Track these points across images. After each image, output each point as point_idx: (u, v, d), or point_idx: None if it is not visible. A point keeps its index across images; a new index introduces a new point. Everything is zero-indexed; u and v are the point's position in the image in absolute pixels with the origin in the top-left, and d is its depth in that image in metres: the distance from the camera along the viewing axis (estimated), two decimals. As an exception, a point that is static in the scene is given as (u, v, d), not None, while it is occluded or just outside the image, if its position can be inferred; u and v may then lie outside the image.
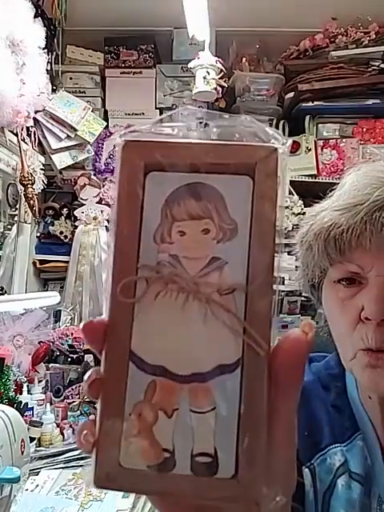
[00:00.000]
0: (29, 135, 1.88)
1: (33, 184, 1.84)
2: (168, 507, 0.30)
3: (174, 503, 0.29)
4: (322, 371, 0.66)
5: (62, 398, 1.72)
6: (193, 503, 0.28)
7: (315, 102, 2.21)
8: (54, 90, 2.09)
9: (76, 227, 2.22)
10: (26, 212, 1.93)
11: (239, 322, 0.27)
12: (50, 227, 2.22)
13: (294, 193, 2.22)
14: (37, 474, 1.24)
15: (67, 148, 2.10)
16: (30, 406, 1.50)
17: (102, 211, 2.22)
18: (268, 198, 0.27)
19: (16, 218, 1.93)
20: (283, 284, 2.08)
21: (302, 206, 2.18)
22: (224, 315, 0.27)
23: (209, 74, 2.13)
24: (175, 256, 0.28)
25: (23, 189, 1.83)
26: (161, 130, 0.29)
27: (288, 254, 0.62)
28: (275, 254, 0.27)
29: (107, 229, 2.23)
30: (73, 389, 1.73)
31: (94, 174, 2.27)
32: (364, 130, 2.23)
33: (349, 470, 0.58)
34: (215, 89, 2.16)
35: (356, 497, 0.57)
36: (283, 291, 1.98)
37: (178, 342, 0.27)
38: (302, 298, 1.92)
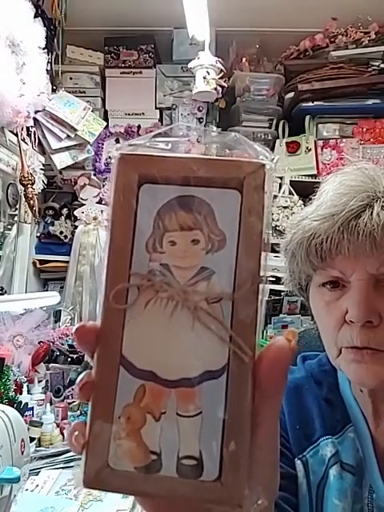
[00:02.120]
0: (29, 135, 1.88)
1: (33, 184, 1.84)
2: (155, 508, 0.31)
3: (160, 504, 0.30)
4: (314, 368, 0.69)
5: (62, 398, 1.72)
6: (178, 505, 0.29)
7: (315, 102, 2.21)
8: (54, 90, 2.08)
9: (76, 227, 2.22)
10: (25, 212, 1.93)
11: (226, 330, 0.28)
12: (50, 227, 2.22)
13: (293, 193, 2.22)
14: (37, 474, 1.24)
15: (67, 148, 2.10)
16: (30, 406, 1.50)
17: (101, 211, 2.22)
18: (255, 212, 0.29)
19: (16, 218, 1.93)
20: (283, 284, 2.07)
21: (302, 206, 2.18)
22: (211, 323, 0.28)
23: (209, 74, 2.13)
24: (166, 265, 0.29)
25: (23, 189, 1.83)
26: (155, 145, 0.31)
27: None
28: (261, 265, 0.28)
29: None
30: (73, 389, 1.73)
31: (94, 174, 2.27)
32: (364, 129, 2.23)
33: (340, 460, 0.60)
34: (215, 89, 2.16)
35: (347, 486, 0.59)
36: (283, 291, 1.98)
37: (167, 348, 0.28)
38: (302, 298, 1.92)
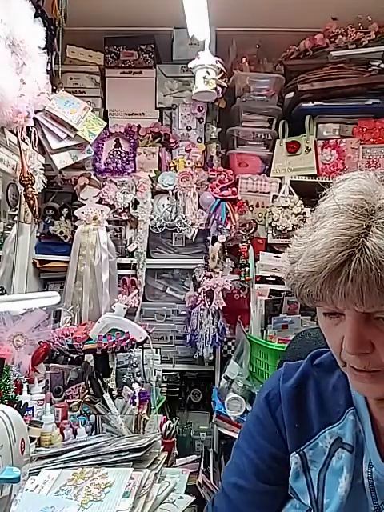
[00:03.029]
0: (29, 135, 1.87)
1: (33, 184, 1.84)
2: None
3: None
4: (327, 358, 0.74)
5: (62, 398, 1.72)
6: None
7: (315, 102, 2.21)
8: (54, 90, 2.08)
9: (76, 227, 2.22)
10: (25, 212, 1.93)
11: None
12: (50, 227, 2.22)
13: (294, 193, 2.22)
14: (37, 474, 1.23)
15: (67, 148, 2.10)
16: (30, 406, 1.50)
17: (101, 211, 2.22)
18: None
19: (16, 218, 1.93)
20: (283, 284, 2.07)
21: (302, 206, 2.18)
22: None
23: (209, 73, 2.13)
24: None
25: (23, 189, 1.83)
26: None
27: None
28: None
29: (107, 229, 2.23)
30: (73, 389, 1.72)
31: (94, 174, 2.27)
32: (364, 130, 2.24)
33: (341, 443, 0.68)
34: (215, 89, 2.16)
35: (345, 463, 0.66)
36: (283, 291, 1.98)
37: None
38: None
